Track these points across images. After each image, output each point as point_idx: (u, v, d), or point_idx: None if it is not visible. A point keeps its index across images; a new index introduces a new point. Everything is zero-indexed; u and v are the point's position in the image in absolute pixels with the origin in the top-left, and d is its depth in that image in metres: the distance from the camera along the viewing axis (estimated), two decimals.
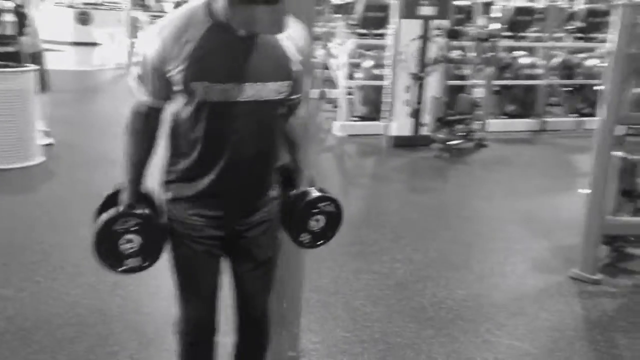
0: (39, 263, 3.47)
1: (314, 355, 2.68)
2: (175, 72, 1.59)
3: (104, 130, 6.68)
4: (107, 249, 1.71)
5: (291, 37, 1.66)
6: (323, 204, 1.89)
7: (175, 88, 1.62)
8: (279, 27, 1.51)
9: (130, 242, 1.70)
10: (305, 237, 1.91)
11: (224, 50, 1.57)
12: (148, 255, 1.74)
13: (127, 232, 1.69)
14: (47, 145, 5.69)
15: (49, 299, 3.08)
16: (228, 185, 1.71)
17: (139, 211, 1.73)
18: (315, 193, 1.90)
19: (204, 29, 1.57)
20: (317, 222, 1.89)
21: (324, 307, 3.09)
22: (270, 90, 1.64)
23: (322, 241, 1.94)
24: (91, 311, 2.98)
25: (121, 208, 1.74)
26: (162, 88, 1.64)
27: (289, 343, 2.47)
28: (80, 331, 2.78)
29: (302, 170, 1.92)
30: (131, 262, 1.72)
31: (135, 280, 3.25)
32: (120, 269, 1.74)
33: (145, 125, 1.71)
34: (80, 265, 3.41)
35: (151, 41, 1.60)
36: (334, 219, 1.92)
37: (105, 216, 1.72)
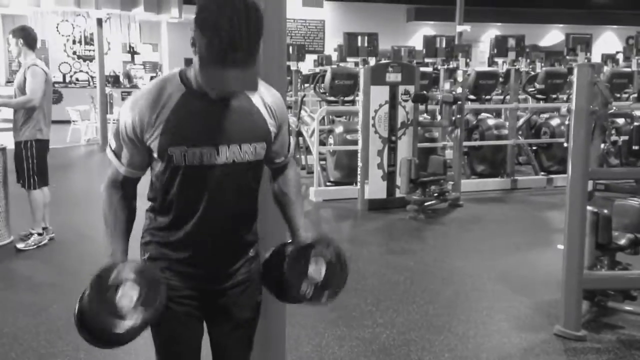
0: (7, 347, 3.30)
1: None
2: (152, 140, 1.61)
3: (77, 207, 6.57)
4: (104, 307, 1.51)
5: (265, 99, 1.71)
6: (320, 246, 1.74)
7: (153, 154, 1.64)
8: (252, 85, 1.55)
9: (127, 296, 1.52)
10: (306, 288, 1.71)
11: (199, 115, 1.59)
12: (148, 306, 1.55)
13: (123, 283, 1.53)
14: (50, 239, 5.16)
15: None
16: (205, 245, 1.70)
17: (131, 262, 1.61)
18: (308, 239, 1.76)
19: (179, 96, 1.61)
20: (317, 268, 1.71)
21: None
22: (246, 152, 1.66)
23: (328, 292, 1.72)
24: None
25: (111, 263, 1.62)
26: (140, 158, 1.66)
27: None
28: None
29: (297, 228, 1.85)
30: (132, 319, 1.52)
31: (111, 358, 3.11)
32: (121, 330, 1.51)
33: (123, 195, 1.71)
34: (52, 347, 3.26)
35: (127, 112, 1.62)
36: (338, 266, 1.74)
37: (98, 271, 1.56)
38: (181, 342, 1.79)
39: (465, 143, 7.55)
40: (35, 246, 5.04)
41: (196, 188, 1.64)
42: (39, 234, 5.09)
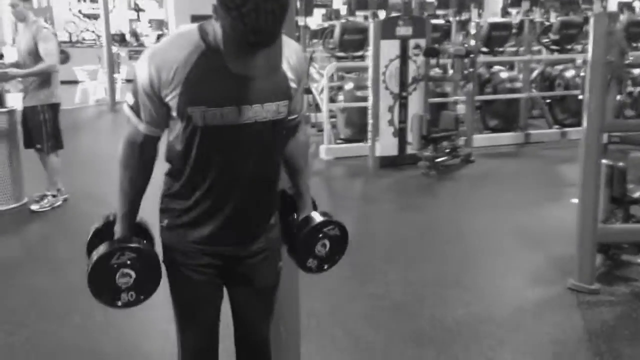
0: (26, 307, 3.37)
1: None
2: (171, 97, 1.55)
3: (87, 168, 6.61)
4: (104, 284, 1.66)
5: (286, 55, 1.61)
6: (328, 228, 1.86)
7: (172, 113, 1.59)
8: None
9: (127, 276, 1.66)
10: (312, 263, 1.87)
11: (220, 74, 1.51)
12: (143, 290, 1.69)
13: (123, 266, 1.65)
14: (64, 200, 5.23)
15: (39, 343, 2.99)
16: (226, 211, 1.66)
17: (134, 245, 1.68)
18: (319, 218, 1.87)
19: (198, 54, 1.54)
20: (324, 247, 1.87)
21: (322, 333, 3.03)
22: (269, 111, 1.60)
23: (329, 265, 1.91)
24: (83, 352, 2.88)
25: (116, 242, 1.69)
26: (158, 115, 1.60)
27: None
28: None
29: (304, 194, 1.89)
30: (127, 297, 1.68)
31: (127, 317, 3.17)
32: (117, 304, 1.69)
33: (140, 155, 1.66)
34: (69, 306, 3.32)
35: (143, 67, 1.55)
36: (340, 242, 1.90)
37: (101, 249, 1.67)
38: (201, 309, 1.79)
39: (478, 97, 7.45)
40: (49, 207, 5.10)
41: (217, 149, 1.59)
42: (54, 196, 5.14)
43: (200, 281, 1.74)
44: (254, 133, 1.60)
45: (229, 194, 1.65)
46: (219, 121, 1.56)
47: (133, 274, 1.65)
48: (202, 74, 1.53)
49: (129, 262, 1.65)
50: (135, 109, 1.61)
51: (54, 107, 5.03)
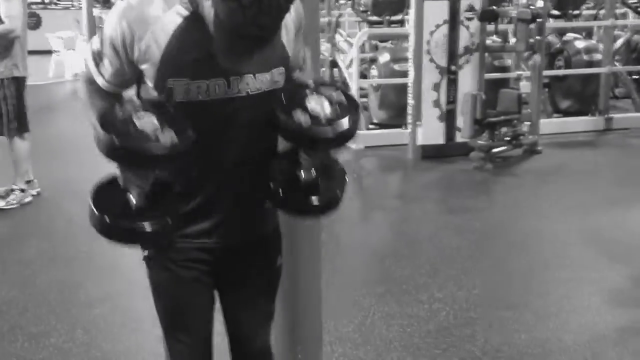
0: None
1: None
2: (147, 66, 1.62)
3: (63, 156, 6.70)
4: (125, 131, 1.53)
5: None
6: (322, 86, 1.72)
7: (147, 83, 1.65)
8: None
9: (148, 121, 1.55)
10: (301, 117, 1.63)
11: (206, 42, 1.55)
12: (178, 127, 1.56)
13: (135, 112, 1.57)
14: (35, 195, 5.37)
15: None
16: (214, 198, 1.74)
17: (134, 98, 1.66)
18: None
19: (182, 17, 1.60)
20: (318, 103, 1.66)
21: None
22: (263, 82, 1.67)
23: (330, 126, 1.64)
24: None
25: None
26: (123, 76, 1.68)
27: None
28: None
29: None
30: (166, 138, 1.54)
31: (112, 338, 3.23)
32: (160, 146, 1.53)
33: (102, 90, 1.72)
34: (43, 323, 3.39)
35: (116, 20, 1.61)
36: (348, 109, 1.67)
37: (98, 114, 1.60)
38: (189, 312, 1.85)
39: (546, 72, 7.42)
40: (17, 204, 5.20)
41: (202, 126, 1.64)
42: (22, 191, 5.24)
43: (188, 279, 1.80)
44: (245, 107, 1.67)
45: (217, 178, 1.72)
46: (205, 96, 1.63)
47: (150, 117, 1.55)
48: (186, 40, 1.59)
49: (136, 109, 1.57)
50: (96, 60, 1.69)
51: (19, 82, 5.11)
